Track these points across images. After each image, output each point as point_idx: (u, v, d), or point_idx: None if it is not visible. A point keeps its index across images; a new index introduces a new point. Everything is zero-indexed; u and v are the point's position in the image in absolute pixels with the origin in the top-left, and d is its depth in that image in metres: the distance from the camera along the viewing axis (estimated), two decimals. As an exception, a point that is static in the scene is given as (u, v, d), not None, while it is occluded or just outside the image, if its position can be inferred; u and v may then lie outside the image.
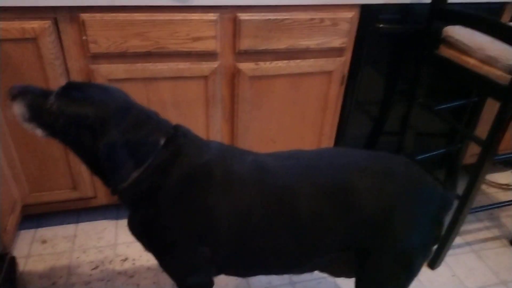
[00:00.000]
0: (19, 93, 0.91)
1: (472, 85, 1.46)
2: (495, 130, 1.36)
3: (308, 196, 0.94)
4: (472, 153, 2.00)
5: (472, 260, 1.70)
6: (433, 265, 1.64)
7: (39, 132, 0.93)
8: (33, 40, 1.30)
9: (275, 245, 0.98)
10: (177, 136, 0.98)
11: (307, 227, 0.95)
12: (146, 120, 0.94)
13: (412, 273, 1.02)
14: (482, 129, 1.85)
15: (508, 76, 1.30)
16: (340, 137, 1.82)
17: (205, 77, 1.50)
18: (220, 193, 0.94)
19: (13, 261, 1.31)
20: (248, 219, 0.95)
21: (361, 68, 1.66)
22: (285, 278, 1.57)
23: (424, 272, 1.63)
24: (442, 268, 1.65)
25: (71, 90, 0.92)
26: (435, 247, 1.60)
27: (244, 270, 1.10)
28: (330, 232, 0.96)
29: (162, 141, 0.95)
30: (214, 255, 1.00)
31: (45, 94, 0.92)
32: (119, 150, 0.87)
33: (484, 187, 2.16)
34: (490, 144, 1.39)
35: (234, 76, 1.53)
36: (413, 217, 0.95)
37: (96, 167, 0.93)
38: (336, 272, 1.14)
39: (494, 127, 1.36)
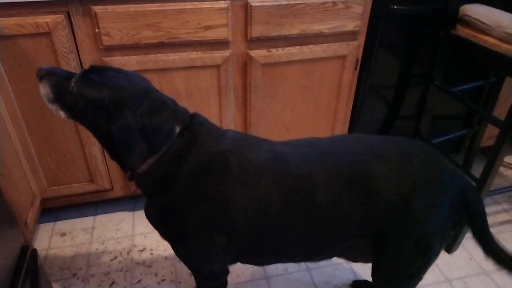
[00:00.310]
0: (46, 75, 0.93)
1: (491, 65, 1.43)
2: (514, 111, 1.33)
3: (326, 184, 0.93)
4: (489, 135, 1.97)
5: (490, 243, 1.69)
6: (450, 249, 1.63)
7: (62, 113, 0.96)
8: (47, 34, 1.30)
9: (293, 235, 0.98)
10: (193, 124, 0.97)
11: (326, 216, 0.94)
12: (163, 107, 0.94)
13: (430, 258, 1.01)
14: (500, 110, 1.82)
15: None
16: (355, 123, 1.81)
17: (217, 66, 1.49)
18: (236, 182, 0.94)
19: (34, 254, 1.32)
20: (265, 209, 0.95)
21: (375, 52, 1.63)
22: (301, 264, 1.57)
23: (441, 256, 1.62)
24: (459, 252, 1.64)
25: (92, 73, 0.92)
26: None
27: (261, 258, 1.10)
28: (349, 219, 0.96)
29: (177, 129, 0.95)
30: (230, 244, 1.00)
31: (69, 76, 0.93)
32: (133, 134, 0.88)
33: (502, 169, 2.14)
34: (509, 125, 1.36)
35: (246, 64, 1.52)
36: (432, 202, 0.94)
37: (114, 150, 0.94)
38: (353, 257, 1.14)
39: (513, 109, 1.33)
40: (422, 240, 0.96)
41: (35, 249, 1.34)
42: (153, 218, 1.03)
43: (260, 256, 1.08)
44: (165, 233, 1.04)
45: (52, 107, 0.95)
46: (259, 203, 0.94)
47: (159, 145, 0.93)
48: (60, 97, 0.92)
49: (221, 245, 0.99)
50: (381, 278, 1.07)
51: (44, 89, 0.93)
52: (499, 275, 1.55)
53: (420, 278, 1.06)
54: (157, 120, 0.92)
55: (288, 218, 0.95)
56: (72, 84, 0.90)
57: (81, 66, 1.40)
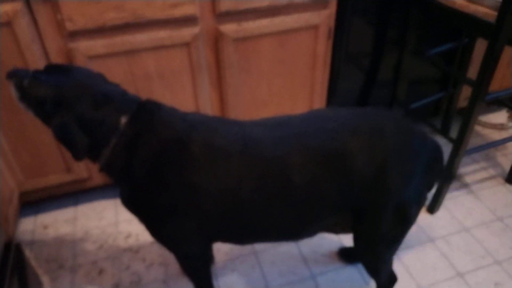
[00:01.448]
0: (9, 76, 0.97)
1: (460, 26, 1.42)
2: (484, 69, 1.34)
3: (300, 166, 0.92)
4: (465, 96, 1.99)
5: (470, 201, 1.73)
6: (432, 210, 1.67)
7: (30, 111, 0.98)
8: (8, 24, 1.25)
9: (269, 217, 0.98)
10: (141, 113, 0.96)
11: (302, 197, 0.94)
12: (104, 100, 0.95)
13: (409, 222, 1.03)
14: (475, 71, 1.83)
15: (495, 14, 1.27)
16: (332, 93, 1.80)
17: (187, 44, 1.45)
18: (201, 169, 0.93)
19: (19, 248, 1.31)
20: (236, 195, 0.94)
21: (347, 20, 1.61)
22: (289, 237, 1.59)
23: (424, 217, 1.66)
24: (441, 212, 1.68)
25: (43, 72, 0.97)
26: (432, 192, 1.62)
27: (238, 240, 1.10)
28: (326, 198, 0.96)
29: (124, 120, 0.95)
30: (202, 228, 1.00)
31: (26, 75, 0.95)
32: (69, 131, 0.92)
33: (479, 128, 2.18)
34: (481, 84, 1.37)
35: (217, 40, 1.49)
36: (405, 171, 0.95)
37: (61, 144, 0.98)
38: (335, 231, 1.15)
39: (483, 66, 1.34)
40: (399, 208, 0.97)
41: (19, 244, 1.32)
42: (125, 204, 1.03)
43: (238, 238, 1.08)
44: (139, 218, 1.05)
45: (22, 105, 0.98)
46: (229, 190, 0.93)
47: (107, 138, 0.95)
48: (22, 97, 0.95)
49: (192, 229, 0.99)
50: (362, 246, 1.09)
51: (12, 90, 0.97)
52: (479, 231, 1.60)
53: (400, 242, 1.08)
54: (99, 114, 0.94)
55: (262, 203, 0.94)
56: (25, 84, 0.93)
57: (46, 55, 1.35)
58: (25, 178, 1.56)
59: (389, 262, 1.14)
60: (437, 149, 1.02)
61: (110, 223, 1.67)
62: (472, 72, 1.86)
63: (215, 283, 1.39)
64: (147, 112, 0.96)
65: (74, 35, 1.34)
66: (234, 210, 0.95)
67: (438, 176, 1.06)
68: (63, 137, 0.93)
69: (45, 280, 1.45)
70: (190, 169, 0.93)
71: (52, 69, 0.99)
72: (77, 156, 0.96)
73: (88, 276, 1.46)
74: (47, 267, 1.50)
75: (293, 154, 0.92)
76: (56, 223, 1.68)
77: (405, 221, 1.01)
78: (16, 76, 0.96)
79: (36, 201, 1.73)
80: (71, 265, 1.50)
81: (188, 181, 0.93)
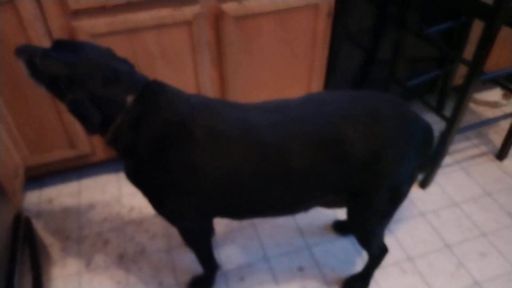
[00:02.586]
0: (19, 52, 0.97)
1: (458, 7, 1.44)
2: (480, 50, 1.37)
3: (297, 151, 0.96)
4: (461, 74, 2.03)
5: (461, 177, 1.80)
6: (424, 185, 1.74)
7: (42, 87, 1.00)
8: (11, 3, 1.25)
9: (267, 198, 1.03)
10: (146, 94, 0.99)
11: (299, 181, 0.99)
12: (114, 78, 0.97)
13: (399, 200, 1.08)
14: (472, 50, 1.86)
15: (492, -5, 1.30)
16: (331, 71, 1.83)
17: (188, 23, 1.47)
18: (203, 152, 0.97)
19: (28, 221, 1.36)
20: (236, 178, 0.98)
21: (346, -1, 1.62)
22: (286, 211, 1.66)
23: (416, 192, 1.73)
24: (432, 187, 1.75)
25: (53, 49, 0.97)
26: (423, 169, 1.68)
27: (237, 216, 1.15)
28: (322, 181, 1.01)
29: (130, 99, 0.97)
30: (203, 206, 1.05)
31: (36, 52, 0.96)
32: (83, 106, 0.95)
33: (473, 106, 2.22)
34: (476, 65, 1.41)
35: (218, 18, 1.50)
36: (399, 154, 0.99)
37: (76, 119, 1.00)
38: (329, 205, 1.21)
39: (480, 47, 1.37)
40: (391, 188, 1.02)
41: (28, 216, 1.38)
42: (130, 178, 1.08)
43: (236, 215, 1.13)
44: (142, 193, 1.09)
45: (33, 81, 0.99)
46: (229, 172, 0.98)
47: (114, 114, 0.97)
48: (33, 73, 0.97)
49: (193, 205, 1.04)
50: (356, 222, 1.15)
51: (22, 67, 0.98)
52: (468, 205, 1.67)
53: (391, 217, 1.14)
54: (108, 91, 0.96)
55: (260, 185, 0.99)
56: (37, 61, 0.95)
57: (49, 33, 1.37)
58: (30, 153, 1.61)
59: (380, 236, 1.21)
60: (429, 131, 1.06)
61: (114, 197, 1.73)
62: (469, 50, 1.88)
63: (215, 253, 1.46)
64: (152, 93, 0.99)
65: (77, 13, 1.35)
66: (233, 191, 1.01)
67: (429, 156, 1.11)
68: (78, 112, 0.96)
69: (53, 250, 1.52)
70: (192, 151, 0.97)
71: (61, 45, 0.99)
72: (91, 130, 0.99)
73: (94, 247, 1.53)
74: (54, 238, 1.57)
75: (291, 140, 0.96)
76: (60, 196, 1.73)
77: (397, 199, 1.07)
78: (26, 52, 0.96)
79: (41, 176, 1.78)
80: (77, 236, 1.57)
81: (189, 162, 0.97)
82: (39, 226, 1.61)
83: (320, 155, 0.97)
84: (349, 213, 1.14)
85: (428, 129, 1.06)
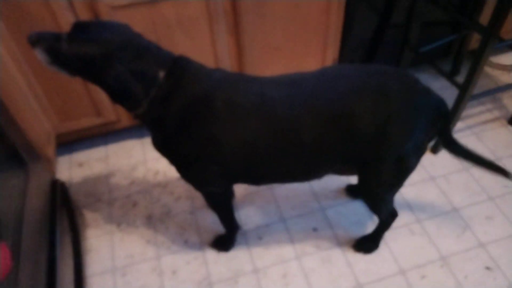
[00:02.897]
0: (37, 40, 0.99)
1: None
2: (495, 19, 1.38)
3: (309, 125, 1.02)
4: (477, 38, 2.01)
5: (472, 142, 1.85)
6: (435, 150, 1.79)
7: (63, 72, 1.03)
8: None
9: (282, 167, 1.12)
10: (176, 69, 1.04)
11: (311, 152, 1.06)
12: (146, 53, 1.01)
13: (408, 171, 1.14)
14: (489, 13, 1.84)
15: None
16: (346, 37, 1.84)
17: (206, -7, 1.49)
18: (224, 123, 1.04)
19: (64, 186, 1.48)
20: (254, 148, 1.06)
21: (363, -37, 1.61)
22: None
23: (428, 157, 1.79)
24: (443, 152, 1.80)
25: (78, 32, 0.99)
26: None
27: (255, 182, 1.24)
28: (332, 152, 1.08)
29: (161, 74, 1.03)
30: (224, 172, 1.14)
31: (58, 37, 0.99)
32: (125, 79, 0.99)
33: (488, 70, 2.21)
34: (490, 33, 1.41)
35: (234, -13, 1.52)
36: (406, 128, 1.04)
37: (114, 96, 1.04)
38: (340, 173, 1.29)
39: (493, 16, 1.37)
40: (399, 160, 1.08)
41: (63, 182, 1.49)
42: (157, 148, 1.17)
43: (255, 181, 1.23)
44: (169, 161, 1.18)
45: (52, 68, 1.02)
46: (247, 143, 1.05)
47: (148, 89, 1.03)
48: (57, 58, 0.99)
49: (215, 172, 1.13)
50: (366, 189, 1.23)
51: (40, 55, 1.00)
52: (477, 170, 1.73)
53: (400, 186, 1.21)
54: (142, 66, 1.00)
55: (276, 155, 1.07)
56: (64, 45, 0.97)
57: (72, 7, 1.41)
58: (59, 121, 1.70)
59: (389, 202, 1.29)
60: (442, 105, 1.09)
61: (139, 161, 1.83)
62: (488, 13, 1.86)
63: (236, 214, 1.57)
64: (180, 68, 1.05)
65: (98, -14, 1.39)
66: (251, 160, 1.09)
67: (446, 129, 1.15)
68: (122, 88, 0.99)
69: (86, 212, 1.65)
70: (214, 123, 1.04)
71: (82, 27, 1.00)
72: (134, 104, 1.03)
73: (124, 208, 1.66)
74: (86, 201, 1.69)
75: (304, 114, 1.03)
76: (89, 161, 1.85)
77: (405, 170, 1.13)
78: (44, 40, 0.98)
79: (70, 142, 1.89)
80: (107, 199, 1.70)
81: (211, 133, 1.05)
82: (71, 189, 1.74)
83: (330, 129, 1.04)
84: (359, 182, 1.22)
85: (440, 103, 1.09)
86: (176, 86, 1.03)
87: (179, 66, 1.05)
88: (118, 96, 1.03)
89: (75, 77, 1.05)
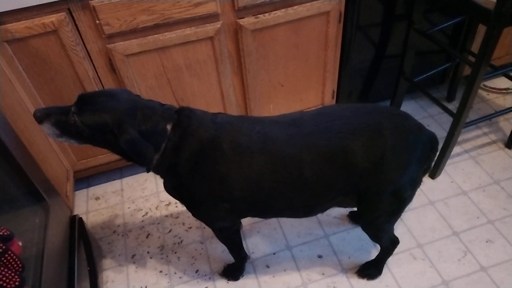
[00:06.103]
0: (44, 116, 1.08)
1: (460, 10, 1.52)
2: (482, 55, 1.47)
3: (310, 162, 1.11)
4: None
5: (469, 166, 1.91)
6: (433, 175, 1.86)
7: (72, 142, 1.13)
8: (54, 32, 1.43)
9: (285, 202, 1.20)
10: (181, 120, 1.14)
11: (311, 187, 1.15)
12: (152, 112, 1.11)
13: (404, 202, 1.22)
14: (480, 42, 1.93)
15: (493, 1, 1.38)
16: (344, 71, 1.95)
17: (211, 38, 1.62)
18: (230, 163, 1.13)
19: (81, 221, 1.58)
20: (259, 184, 1.15)
21: (357, 3, 1.72)
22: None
23: (426, 182, 1.86)
24: (441, 177, 1.87)
25: (84, 103, 1.07)
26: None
27: (262, 216, 1.35)
28: (332, 187, 1.17)
29: (169, 127, 1.13)
30: (233, 208, 1.23)
31: (65, 111, 1.08)
32: (139, 143, 1.05)
33: (484, 93, 2.29)
34: (480, 63, 1.49)
35: (237, 32, 1.64)
36: (400, 163, 1.12)
37: (128, 157, 1.13)
38: (341, 206, 1.37)
39: (481, 51, 1.46)
40: (395, 192, 1.16)
41: (81, 217, 1.60)
42: (170, 192, 1.26)
43: (260, 215, 1.34)
44: (182, 203, 1.29)
45: (61, 140, 1.11)
46: (253, 180, 1.14)
47: (159, 144, 1.12)
48: (65, 131, 1.08)
49: (225, 209, 1.22)
50: (366, 221, 1.31)
51: (48, 129, 1.09)
52: (476, 193, 1.79)
53: (398, 216, 1.29)
54: (151, 124, 1.09)
55: (279, 190, 1.16)
56: (73, 118, 1.06)
57: (89, 56, 1.54)
58: (77, 159, 1.82)
59: (389, 231, 1.36)
60: (433, 140, 1.19)
61: (152, 193, 1.94)
62: (479, 42, 1.94)
63: (243, 243, 1.65)
64: (185, 118, 1.15)
65: (112, 37, 1.51)
66: (257, 195, 1.18)
67: (434, 158, 1.24)
68: (136, 151, 1.05)
69: (102, 244, 1.75)
70: (221, 163, 1.14)
71: (87, 99, 1.08)
72: (148, 164, 1.10)
73: (138, 239, 1.75)
74: (103, 233, 1.79)
75: (304, 152, 1.12)
76: (106, 194, 1.96)
77: (401, 202, 1.21)
78: (50, 115, 1.06)
79: (87, 176, 2.00)
80: (122, 231, 1.79)
81: (219, 172, 1.15)
82: (88, 222, 1.84)
83: (329, 165, 1.12)
84: (359, 212, 1.30)
85: (431, 138, 1.18)
86: (184, 135, 1.13)
87: (184, 116, 1.15)
88: (132, 158, 1.10)
89: (84, 144, 1.13)
